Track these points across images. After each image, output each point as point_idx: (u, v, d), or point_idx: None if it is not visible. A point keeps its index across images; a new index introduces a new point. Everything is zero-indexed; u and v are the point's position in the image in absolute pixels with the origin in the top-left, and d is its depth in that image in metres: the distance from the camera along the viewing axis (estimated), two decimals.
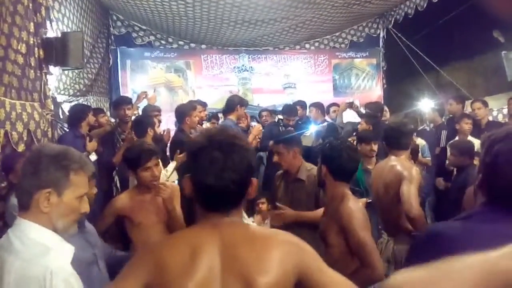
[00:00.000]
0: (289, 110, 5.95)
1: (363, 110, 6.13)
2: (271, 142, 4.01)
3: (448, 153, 4.79)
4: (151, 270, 1.25)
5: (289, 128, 5.69)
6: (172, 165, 4.18)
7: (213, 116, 6.50)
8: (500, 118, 6.39)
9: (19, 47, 3.72)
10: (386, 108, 6.38)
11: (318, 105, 6.40)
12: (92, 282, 2.27)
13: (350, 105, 6.57)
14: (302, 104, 6.49)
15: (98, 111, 5.46)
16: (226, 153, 1.29)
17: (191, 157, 1.36)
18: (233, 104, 4.94)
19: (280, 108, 6.55)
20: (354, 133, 5.54)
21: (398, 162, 3.21)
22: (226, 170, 1.28)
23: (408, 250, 1.46)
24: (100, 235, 2.64)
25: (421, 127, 5.95)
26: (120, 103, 5.06)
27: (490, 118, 5.97)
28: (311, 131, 5.79)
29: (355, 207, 2.34)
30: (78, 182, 1.54)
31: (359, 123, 5.51)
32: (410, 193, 2.93)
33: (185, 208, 3.08)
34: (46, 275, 1.35)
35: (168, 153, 4.88)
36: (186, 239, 1.32)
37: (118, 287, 1.27)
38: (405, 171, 3.08)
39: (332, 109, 6.71)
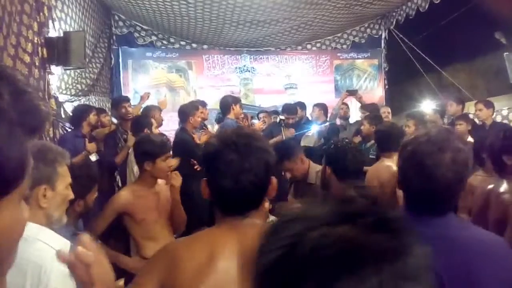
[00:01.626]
0: (289, 108, 5.98)
1: (360, 112, 6.14)
2: None
3: None
4: (165, 270, 1.23)
5: (290, 128, 5.70)
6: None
7: (220, 118, 6.43)
8: (499, 119, 6.39)
9: (25, 46, 3.74)
10: (388, 109, 6.36)
11: (322, 106, 6.39)
12: None
13: (352, 93, 6.56)
14: (301, 105, 6.49)
15: (100, 111, 5.47)
16: (243, 154, 1.26)
17: (207, 161, 1.33)
18: (228, 104, 4.95)
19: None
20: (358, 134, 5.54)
21: (393, 163, 3.22)
22: (243, 172, 1.25)
23: None
24: (98, 235, 2.64)
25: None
26: (119, 101, 5.08)
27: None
28: (313, 131, 5.79)
29: None
30: (64, 172, 1.62)
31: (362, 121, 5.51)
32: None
33: (184, 203, 3.09)
34: (42, 270, 1.37)
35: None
36: (204, 241, 1.30)
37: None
38: None
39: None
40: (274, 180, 1.35)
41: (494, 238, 1.31)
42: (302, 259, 0.47)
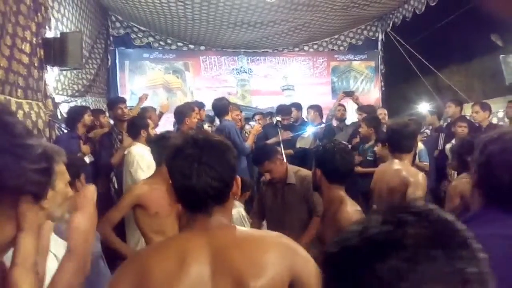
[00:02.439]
0: (284, 109, 6.02)
1: (357, 113, 6.13)
2: None
3: (450, 157, 4.78)
4: (137, 280, 1.22)
5: (287, 130, 5.70)
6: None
7: (209, 120, 6.43)
8: (494, 121, 6.41)
9: (23, 47, 3.73)
10: (385, 111, 6.38)
11: (316, 108, 6.41)
12: (100, 275, 2.27)
13: (349, 94, 6.56)
14: (297, 106, 6.49)
15: (99, 112, 5.46)
16: (201, 148, 1.28)
17: (169, 160, 1.34)
18: (226, 106, 4.97)
19: None
20: (357, 135, 5.55)
21: (403, 167, 3.11)
22: (203, 165, 1.26)
23: None
24: (111, 227, 2.80)
25: (424, 131, 5.90)
26: (115, 102, 5.07)
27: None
28: (309, 133, 5.80)
29: (352, 210, 2.33)
30: (62, 170, 1.63)
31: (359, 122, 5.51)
32: (416, 198, 2.83)
33: None
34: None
35: None
36: (173, 246, 1.30)
37: None
38: (411, 177, 3.00)
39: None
40: (238, 178, 1.37)
41: None
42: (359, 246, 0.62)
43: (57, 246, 1.50)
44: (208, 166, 1.27)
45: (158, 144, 3.01)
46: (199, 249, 1.24)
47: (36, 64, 4.00)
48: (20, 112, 3.50)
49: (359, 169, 4.86)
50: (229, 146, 1.36)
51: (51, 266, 1.40)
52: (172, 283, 1.19)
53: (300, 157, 5.45)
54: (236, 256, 1.23)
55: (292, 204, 3.24)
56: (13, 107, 3.39)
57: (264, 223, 4.11)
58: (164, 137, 3.06)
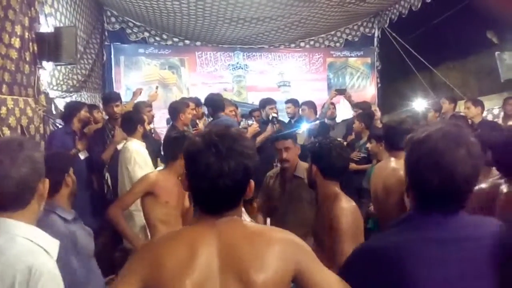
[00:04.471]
0: (270, 101, 5.97)
1: (353, 110, 6.13)
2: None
3: None
4: (148, 270, 1.26)
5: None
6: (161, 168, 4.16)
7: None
8: (490, 118, 6.42)
9: (12, 42, 3.68)
10: (376, 107, 6.39)
11: (310, 104, 6.38)
12: (93, 274, 2.28)
13: (341, 92, 6.55)
14: (295, 102, 6.46)
15: (93, 107, 5.43)
16: (223, 158, 1.27)
17: (188, 159, 1.34)
18: (223, 103, 4.96)
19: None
20: (352, 133, 5.55)
21: (400, 166, 2.89)
22: (222, 177, 1.26)
23: (342, 267, 1.44)
24: (123, 211, 2.98)
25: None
26: (108, 100, 5.01)
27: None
28: (303, 130, 5.78)
29: (347, 206, 2.34)
30: None
31: (352, 119, 5.50)
32: None
33: None
34: (32, 271, 1.35)
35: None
36: (184, 238, 1.32)
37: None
38: None
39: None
40: (252, 182, 1.37)
41: None
42: None
43: (46, 241, 1.49)
44: (226, 177, 1.27)
45: (174, 141, 3.15)
46: (208, 241, 1.27)
47: (27, 59, 3.96)
48: (3, 109, 3.46)
49: (353, 165, 4.87)
50: (250, 154, 1.33)
51: (43, 260, 1.40)
52: (183, 274, 1.22)
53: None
54: (242, 249, 1.26)
55: (301, 197, 3.25)
56: None
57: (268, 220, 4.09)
58: (182, 135, 3.20)
